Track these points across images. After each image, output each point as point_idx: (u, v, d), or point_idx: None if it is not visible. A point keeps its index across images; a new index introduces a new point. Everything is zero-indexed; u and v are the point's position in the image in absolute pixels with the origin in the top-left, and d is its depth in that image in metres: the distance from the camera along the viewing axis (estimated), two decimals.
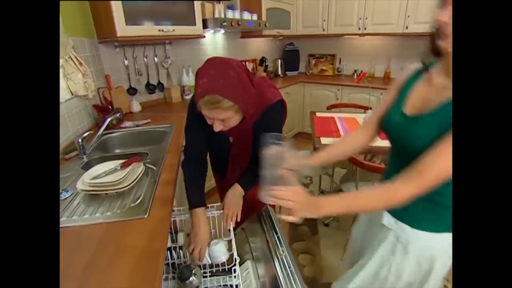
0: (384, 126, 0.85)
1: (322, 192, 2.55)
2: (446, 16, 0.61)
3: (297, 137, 3.74)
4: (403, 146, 0.76)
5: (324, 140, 1.67)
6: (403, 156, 0.76)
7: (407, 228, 0.81)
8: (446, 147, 0.61)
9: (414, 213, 0.79)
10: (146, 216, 0.87)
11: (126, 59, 2.11)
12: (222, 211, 1.11)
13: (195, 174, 1.10)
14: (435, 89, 0.71)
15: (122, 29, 1.68)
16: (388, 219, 0.86)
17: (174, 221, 1.13)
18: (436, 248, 0.79)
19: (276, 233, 1.04)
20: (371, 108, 2.29)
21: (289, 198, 0.67)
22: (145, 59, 2.24)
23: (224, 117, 0.87)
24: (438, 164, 0.63)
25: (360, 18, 3.17)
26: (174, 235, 1.12)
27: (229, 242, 1.06)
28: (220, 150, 1.18)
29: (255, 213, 1.17)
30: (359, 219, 1.10)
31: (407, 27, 2.95)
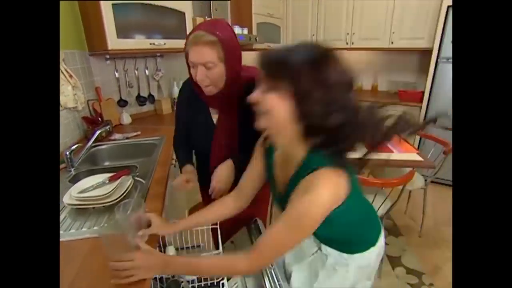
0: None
1: None
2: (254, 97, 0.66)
3: None
4: None
5: None
6: None
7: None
8: (278, 227, 0.67)
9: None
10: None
11: (117, 71, 2.11)
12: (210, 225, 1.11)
13: (184, 143, 1.20)
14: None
15: (114, 42, 1.70)
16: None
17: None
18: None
19: None
20: None
21: (131, 267, 0.67)
22: (136, 72, 2.25)
23: (206, 59, 0.88)
24: (272, 243, 0.69)
25: (348, 33, 3.27)
26: (162, 249, 1.11)
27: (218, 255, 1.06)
28: (205, 139, 1.14)
29: (244, 225, 1.17)
30: None
31: (392, 42, 3.06)
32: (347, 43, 3.30)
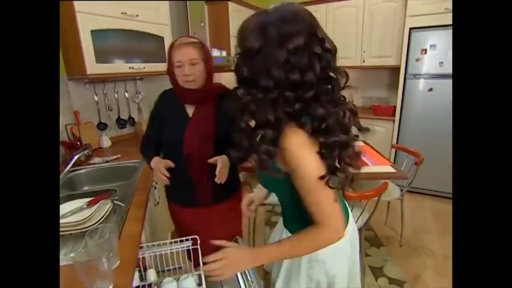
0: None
1: None
2: None
3: None
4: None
5: None
6: None
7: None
8: (318, 195, 0.69)
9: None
10: (111, 255, 0.87)
11: (96, 95, 2.12)
12: (191, 245, 1.12)
13: (150, 150, 1.30)
14: None
15: (92, 67, 1.72)
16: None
17: (143, 258, 1.12)
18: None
19: None
20: None
21: (221, 266, 0.72)
22: (115, 95, 2.26)
23: (192, 56, 1.13)
24: (322, 210, 0.71)
25: None
26: (143, 272, 1.10)
27: (199, 276, 1.07)
28: (176, 137, 1.24)
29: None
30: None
31: (363, 61, 3.25)
32: None
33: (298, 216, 0.80)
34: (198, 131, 1.24)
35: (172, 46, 1.17)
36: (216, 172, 1.15)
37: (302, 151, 0.66)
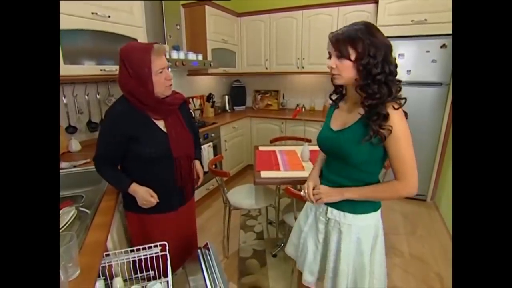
0: (319, 141, 1.14)
1: (270, 223, 2.62)
2: (332, 63, 0.98)
3: (246, 169, 3.84)
4: (334, 151, 1.07)
5: (264, 174, 1.77)
6: (335, 158, 1.09)
7: (348, 215, 1.08)
8: (405, 151, 0.95)
9: (351, 202, 1.06)
10: (70, 265, 0.84)
11: (65, 97, 2.04)
12: (160, 251, 1.11)
13: (116, 170, 1.28)
14: (347, 111, 1.07)
15: (60, 68, 1.66)
16: (331, 211, 1.11)
17: (110, 265, 1.09)
18: (371, 225, 1.09)
19: (214, 269, 1.06)
20: (311, 141, 2.49)
21: (319, 194, 1.08)
22: (86, 97, 2.19)
23: (167, 64, 1.19)
24: (407, 166, 0.96)
25: (298, 58, 3.51)
26: (109, 281, 1.08)
27: (167, 283, 1.05)
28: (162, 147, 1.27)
29: (193, 251, 1.18)
30: (296, 226, 1.33)
31: None
32: (298, 67, 3.54)
33: (359, 182, 1.05)
34: (180, 138, 1.30)
35: (147, 53, 1.11)
36: (199, 176, 1.52)
37: (401, 116, 0.94)
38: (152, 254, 1.11)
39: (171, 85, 1.23)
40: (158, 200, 1.26)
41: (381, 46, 0.91)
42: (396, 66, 0.95)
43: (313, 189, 1.12)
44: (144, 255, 1.10)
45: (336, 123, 1.09)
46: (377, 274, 1.09)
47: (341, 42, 0.93)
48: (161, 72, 1.15)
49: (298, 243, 1.28)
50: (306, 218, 1.24)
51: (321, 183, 1.14)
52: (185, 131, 1.35)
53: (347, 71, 0.95)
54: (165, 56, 1.21)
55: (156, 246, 1.12)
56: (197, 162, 1.52)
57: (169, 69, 1.25)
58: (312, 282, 1.22)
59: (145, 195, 1.23)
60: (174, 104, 1.30)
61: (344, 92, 1.12)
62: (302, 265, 1.25)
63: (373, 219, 1.09)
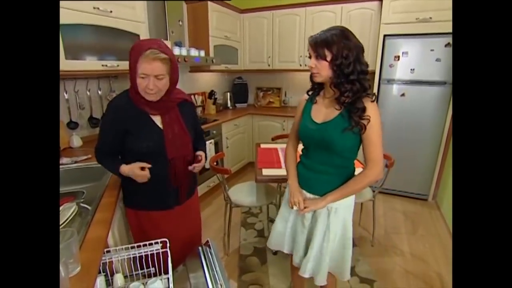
0: (303, 133, 1.25)
1: (270, 220, 2.61)
2: (311, 63, 1.10)
3: (248, 167, 3.84)
4: (319, 141, 1.17)
5: (265, 172, 1.77)
6: (320, 148, 1.19)
7: None
8: (376, 138, 1.09)
9: (335, 187, 1.19)
10: (71, 261, 0.84)
11: (66, 93, 2.04)
12: (161, 248, 1.10)
13: (114, 158, 1.28)
14: (326, 106, 1.19)
15: (61, 63, 1.65)
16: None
17: (111, 262, 1.09)
18: (352, 204, 1.27)
19: (215, 267, 1.06)
20: None
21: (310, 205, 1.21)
22: (88, 93, 2.19)
23: (159, 71, 1.10)
24: (377, 151, 1.11)
25: (301, 56, 3.49)
26: (110, 277, 1.08)
27: (167, 280, 1.05)
28: (154, 144, 1.24)
29: (193, 248, 1.18)
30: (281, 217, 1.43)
31: None
32: (300, 65, 3.52)
33: (342, 167, 1.21)
34: (177, 139, 1.27)
35: (138, 52, 1.08)
36: (198, 164, 1.33)
37: (377, 107, 1.10)
38: (152, 251, 1.10)
39: (151, 94, 1.13)
40: (149, 175, 1.21)
41: (353, 48, 1.04)
42: (367, 65, 1.09)
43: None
44: (144, 252, 1.10)
45: (318, 117, 1.20)
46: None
47: (318, 45, 1.05)
48: (143, 78, 1.09)
49: (284, 231, 1.41)
50: (291, 207, 1.32)
51: (301, 174, 1.29)
52: (183, 132, 1.29)
53: (324, 70, 1.07)
54: (162, 64, 1.10)
55: (156, 243, 1.12)
56: (201, 152, 1.41)
57: (163, 80, 1.13)
58: (299, 263, 1.35)
59: (135, 171, 1.20)
60: (171, 101, 1.25)
61: (322, 88, 1.23)
62: (290, 249, 1.42)
63: (353, 198, 1.26)
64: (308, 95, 1.27)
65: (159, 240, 1.13)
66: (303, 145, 1.31)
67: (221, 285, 0.99)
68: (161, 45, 1.11)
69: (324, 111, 1.18)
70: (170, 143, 1.24)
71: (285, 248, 1.44)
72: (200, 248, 1.18)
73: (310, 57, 1.11)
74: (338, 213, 1.23)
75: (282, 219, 1.41)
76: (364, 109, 1.07)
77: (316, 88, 1.23)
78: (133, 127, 1.20)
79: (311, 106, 1.24)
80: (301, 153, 1.35)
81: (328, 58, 1.05)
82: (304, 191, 1.28)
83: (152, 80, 1.09)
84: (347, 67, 1.04)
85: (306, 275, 1.31)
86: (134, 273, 1.15)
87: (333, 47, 1.03)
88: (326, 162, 1.20)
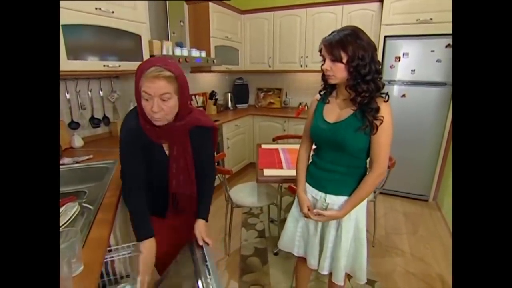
0: (315, 132, 1.23)
1: (271, 221, 2.61)
2: (326, 66, 1.08)
3: (248, 167, 3.84)
4: (332, 141, 1.16)
5: (266, 172, 1.77)
6: (332, 148, 1.18)
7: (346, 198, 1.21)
8: (385, 140, 1.08)
9: (348, 186, 1.20)
10: (74, 260, 0.84)
11: (67, 93, 2.04)
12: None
13: (141, 202, 1.10)
14: (339, 106, 1.17)
15: (63, 63, 1.65)
16: (330, 197, 1.23)
17: (113, 261, 1.09)
18: (364, 204, 1.26)
19: (205, 261, 1.05)
20: None
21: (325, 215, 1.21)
22: (89, 93, 2.19)
23: (164, 90, 0.94)
24: (386, 151, 1.10)
25: (302, 57, 3.50)
26: (111, 277, 1.07)
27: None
28: (158, 171, 1.15)
29: (186, 243, 1.17)
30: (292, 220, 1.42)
31: None
32: (301, 66, 3.52)
33: (354, 167, 1.19)
34: (180, 172, 1.15)
35: (141, 71, 0.95)
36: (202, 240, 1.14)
37: (390, 108, 1.09)
38: (135, 253, 1.08)
39: (157, 118, 1.00)
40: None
41: (367, 47, 1.03)
42: (380, 64, 1.08)
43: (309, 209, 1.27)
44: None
45: (331, 117, 1.18)
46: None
47: (334, 46, 1.03)
48: (147, 100, 0.96)
49: (294, 231, 1.40)
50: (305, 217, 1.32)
51: (313, 174, 1.29)
52: (191, 168, 1.16)
53: (339, 72, 1.05)
54: (167, 82, 0.95)
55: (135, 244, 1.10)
56: (200, 223, 1.19)
57: (169, 101, 0.98)
58: (315, 265, 1.36)
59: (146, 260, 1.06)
60: (181, 127, 1.08)
61: (335, 88, 1.21)
62: (304, 251, 1.41)
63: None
64: (320, 95, 1.25)
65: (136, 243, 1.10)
66: (315, 144, 1.30)
67: (210, 279, 0.96)
68: (167, 62, 0.97)
69: (337, 111, 1.17)
70: (173, 177, 1.15)
71: (295, 250, 1.43)
72: (190, 245, 1.16)
73: (323, 60, 1.09)
74: (350, 214, 1.22)
75: (293, 218, 1.41)
76: (377, 109, 1.05)
77: (328, 88, 1.22)
78: (143, 151, 1.10)
79: (323, 106, 1.22)
80: (313, 152, 1.34)
81: (344, 60, 1.02)
82: (316, 190, 1.27)
83: (156, 101, 0.95)
84: (363, 68, 1.02)
85: (325, 272, 1.32)
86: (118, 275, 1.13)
87: (349, 48, 1.01)
88: (338, 162, 1.19)
